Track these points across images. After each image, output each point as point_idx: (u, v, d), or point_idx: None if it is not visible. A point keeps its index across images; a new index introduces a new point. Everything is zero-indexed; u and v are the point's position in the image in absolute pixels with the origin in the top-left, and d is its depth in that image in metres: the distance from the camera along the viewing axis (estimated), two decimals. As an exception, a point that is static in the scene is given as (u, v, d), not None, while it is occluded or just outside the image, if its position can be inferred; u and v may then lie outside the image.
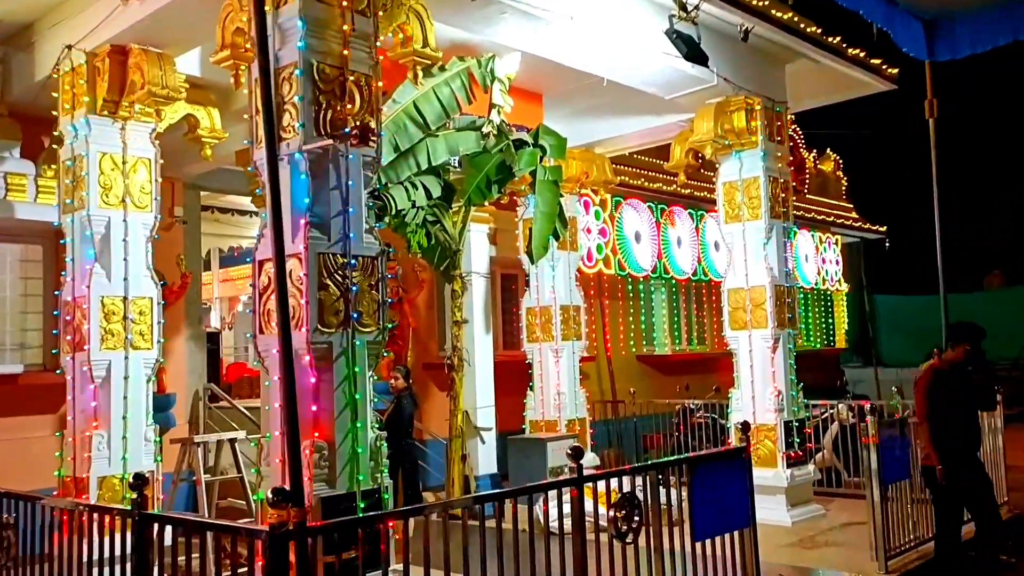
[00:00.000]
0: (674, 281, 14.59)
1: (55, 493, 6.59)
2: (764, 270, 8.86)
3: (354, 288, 4.99)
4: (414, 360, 11.11)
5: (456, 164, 9.50)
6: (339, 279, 4.95)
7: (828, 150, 21.27)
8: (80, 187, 6.59)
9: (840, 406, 10.47)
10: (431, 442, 10.46)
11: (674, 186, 14.79)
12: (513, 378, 10.90)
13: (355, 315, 4.99)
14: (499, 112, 7.86)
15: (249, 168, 5.42)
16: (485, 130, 8.00)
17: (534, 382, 10.75)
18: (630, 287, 13.98)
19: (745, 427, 5.75)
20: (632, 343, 14.16)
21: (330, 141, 4.87)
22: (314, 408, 4.82)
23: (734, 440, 8.75)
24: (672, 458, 5.94)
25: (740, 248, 9.05)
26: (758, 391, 8.86)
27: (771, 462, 8.71)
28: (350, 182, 5.02)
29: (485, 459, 9.59)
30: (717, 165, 9.24)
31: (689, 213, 14.85)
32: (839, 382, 15.47)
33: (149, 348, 6.78)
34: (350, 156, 5.04)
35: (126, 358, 6.63)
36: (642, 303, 14.44)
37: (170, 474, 8.71)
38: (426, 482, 9.98)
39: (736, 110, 8.84)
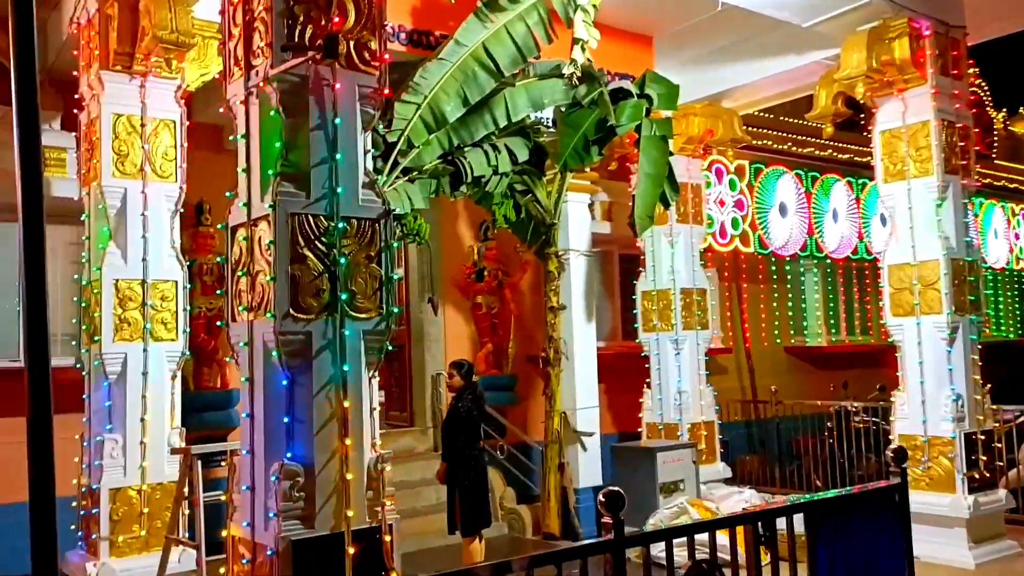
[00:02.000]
0: (829, 260, 12.51)
1: (75, 504, 5.82)
2: (937, 240, 6.93)
3: (343, 260, 3.75)
4: (516, 352, 9.84)
5: (549, 123, 8.15)
6: (321, 248, 3.73)
7: (1022, 108, 18.14)
8: (94, 154, 5.74)
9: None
10: (535, 449, 9.16)
11: (829, 150, 12.79)
12: (633, 373, 9.43)
13: (344, 296, 3.75)
14: (583, 48, 6.39)
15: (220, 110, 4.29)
16: (566, 71, 6.56)
17: (651, 378, 9.22)
18: (774, 268, 12.07)
19: (899, 455, 4.05)
20: (777, 333, 12.25)
21: (297, 61, 3.64)
22: (286, 419, 3.63)
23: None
24: (779, 505, 4.29)
25: (904, 213, 7.15)
26: (930, 394, 6.95)
27: (947, 486, 6.80)
28: (336, 119, 3.78)
29: (587, 468, 8.18)
30: (873, 109, 7.36)
31: (848, 181, 12.71)
32: None
33: (173, 339, 5.86)
34: (337, 85, 3.79)
35: (145, 350, 5.73)
36: (789, 286, 12.47)
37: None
38: (531, 493, 8.70)
39: (897, 36, 6.93)
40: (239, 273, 3.85)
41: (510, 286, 10.04)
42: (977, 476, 6.79)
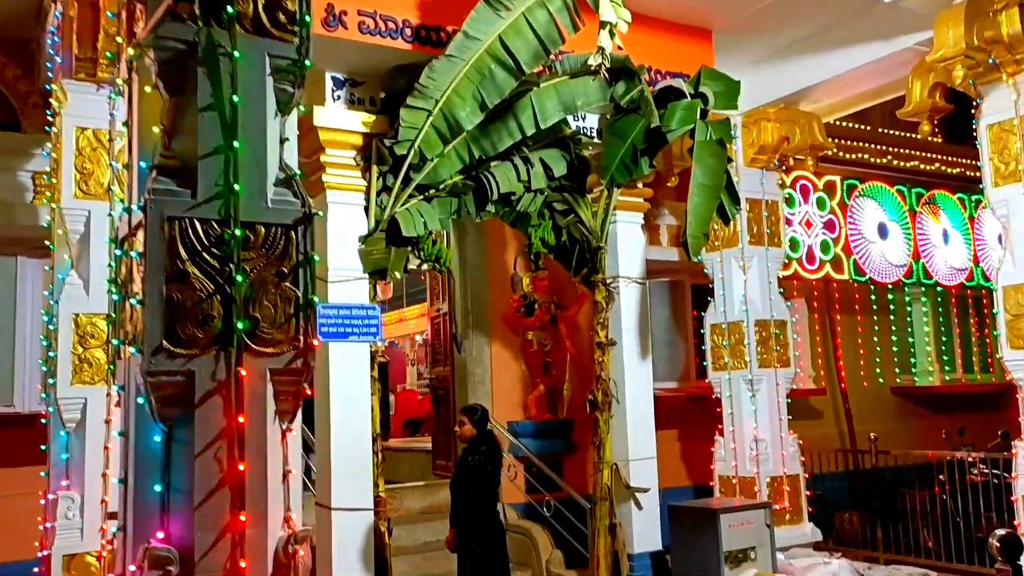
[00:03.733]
0: (940, 288, 10.96)
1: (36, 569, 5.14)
2: (1066, 254, 5.58)
3: (241, 278, 2.89)
4: (572, 394, 8.80)
5: (592, 133, 7.21)
6: (211, 263, 2.89)
7: None
8: (56, 174, 5.16)
9: None
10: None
11: (936, 164, 11.32)
12: (709, 418, 8.25)
13: (243, 324, 2.89)
14: (612, 33, 5.42)
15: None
16: (592, 63, 5.60)
17: (723, 424, 8.01)
18: (874, 297, 10.62)
19: (1011, 545, 2.85)
20: (879, 371, 10.74)
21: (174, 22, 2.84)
22: (158, 488, 2.77)
23: (1023, 523, 5.55)
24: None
25: (1021, 221, 5.82)
26: (1063, 446, 5.55)
27: (1093, 564, 5.34)
28: (234, 96, 2.95)
29: (643, 530, 7.01)
30: (977, 99, 6.10)
31: (960, 198, 11.18)
32: None
33: (144, 380, 5.13)
34: (235, 54, 2.97)
35: (108, 395, 5.02)
36: (893, 318, 10.97)
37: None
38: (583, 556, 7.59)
39: (1004, 7, 5.68)
40: (117, 297, 3.05)
41: (565, 320, 9.04)
42: None
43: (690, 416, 9.26)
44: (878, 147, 10.75)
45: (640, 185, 7.49)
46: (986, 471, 8.21)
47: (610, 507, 6.97)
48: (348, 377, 5.79)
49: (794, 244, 9.62)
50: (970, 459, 8.40)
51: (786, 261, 9.33)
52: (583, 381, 8.86)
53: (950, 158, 11.20)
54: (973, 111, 6.27)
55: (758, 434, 7.69)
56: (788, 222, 9.62)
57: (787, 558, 6.67)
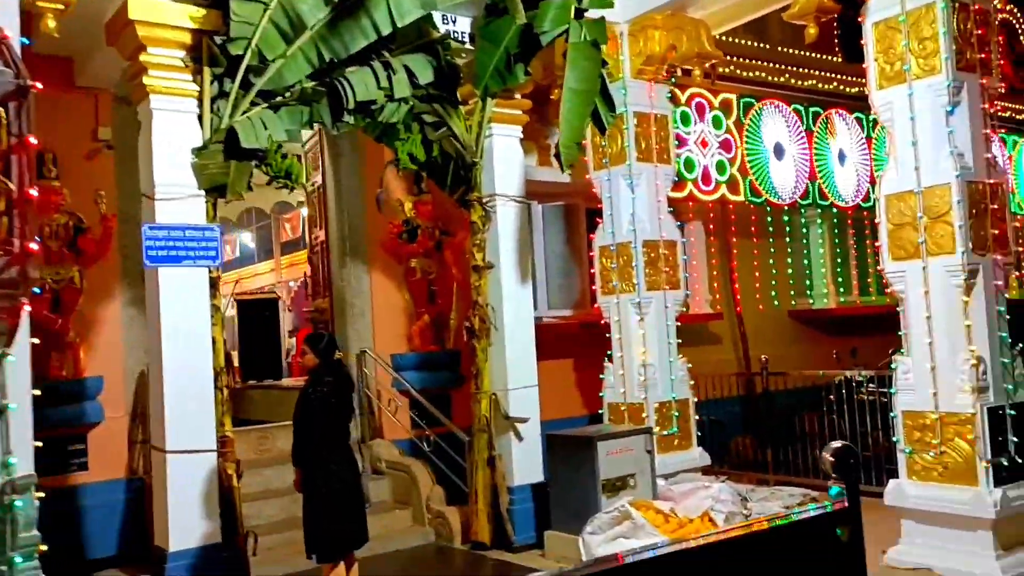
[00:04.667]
0: (836, 210, 10.83)
1: None
2: (947, 159, 5.32)
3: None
4: (459, 324, 8.38)
5: (464, 38, 6.63)
6: None
7: (1062, 38, 16.16)
8: None
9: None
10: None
11: (834, 83, 11.09)
12: (604, 345, 7.94)
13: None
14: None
15: None
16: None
17: (613, 350, 7.71)
18: (770, 219, 10.42)
19: (842, 456, 2.50)
20: (775, 295, 10.62)
21: None
22: None
23: (900, 438, 5.39)
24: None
25: (905, 126, 5.55)
26: (941, 359, 5.38)
27: (967, 476, 5.24)
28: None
29: (525, 461, 6.68)
30: (863, -3, 5.75)
31: (857, 117, 11.00)
32: None
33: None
34: None
35: None
36: (789, 240, 10.81)
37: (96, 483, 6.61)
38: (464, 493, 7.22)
39: None
40: None
41: (451, 246, 8.57)
42: (1007, 463, 5.22)
43: (585, 344, 8.94)
44: (776, 65, 10.42)
45: (518, 96, 6.98)
46: (874, 390, 8.16)
47: (489, 439, 6.63)
48: (182, 307, 5.20)
49: (689, 164, 9.29)
50: (859, 378, 8.33)
51: (678, 180, 9.02)
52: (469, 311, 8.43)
53: (848, 77, 10.95)
54: (860, 17, 5.92)
55: (646, 359, 7.41)
56: (683, 141, 9.28)
57: (669, 483, 6.45)
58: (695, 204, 9.62)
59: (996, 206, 5.41)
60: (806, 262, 11.05)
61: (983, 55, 5.44)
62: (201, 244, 5.24)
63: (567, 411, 8.72)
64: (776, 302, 10.57)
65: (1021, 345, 5.54)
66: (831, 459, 2.36)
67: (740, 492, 6.44)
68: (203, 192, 5.35)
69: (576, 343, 9.03)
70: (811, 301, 11.11)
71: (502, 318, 6.76)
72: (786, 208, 10.38)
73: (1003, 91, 13.87)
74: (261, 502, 6.87)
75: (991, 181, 5.41)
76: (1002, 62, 14.32)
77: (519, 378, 6.78)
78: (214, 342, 5.31)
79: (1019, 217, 13.50)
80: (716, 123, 9.60)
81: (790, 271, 10.78)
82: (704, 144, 9.46)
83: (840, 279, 11.22)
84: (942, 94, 5.32)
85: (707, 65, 9.29)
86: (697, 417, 7.74)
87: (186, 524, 5.12)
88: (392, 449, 7.68)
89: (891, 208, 5.62)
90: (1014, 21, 14.68)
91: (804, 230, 11.07)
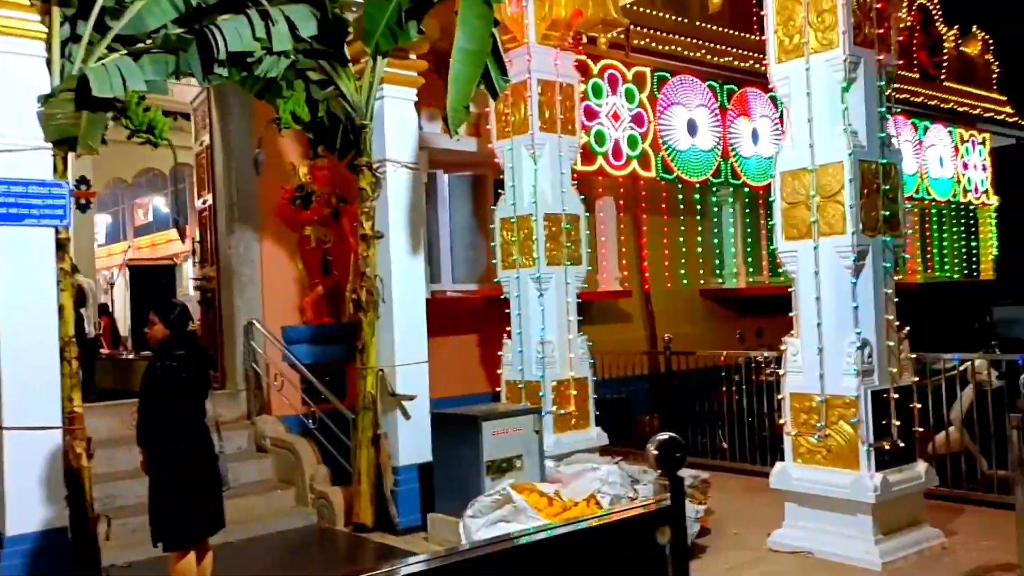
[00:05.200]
0: (748, 189, 10.79)
1: None
2: (840, 136, 5.20)
3: None
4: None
5: (355, -8, 6.25)
6: None
7: (975, 28, 16.46)
8: None
9: (977, 361, 6.66)
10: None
11: (751, 61, 10.98)
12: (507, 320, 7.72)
13: None
14: None
15: None
16: None
17: (512, 326, 7.49)
18: (681, 197, 10.31)
19: (667, 450, 2.30)
20: (684, 273, 10.53)
21: None
22: None
23: (787, 420, 5.29)
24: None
25: (801, 101, 5.40)
26: (829, 341, 5.29)
27: (849, 460, 5.17)
28: None
29: (412, 441, 6.42)
30: (765, -35, 5.56)
31: (771, 98, 10.91)
32: (981, 325, 11.20)
33: None
34: None
35: None
36: (699, 218, 10.72)
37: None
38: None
39: None
40: None
41: (349, 214, 8.14)
42: (888, 446, 5.17)
43: (490, 319, 8.69)
44: (692, 40, 10.26)
45: (413, 56, 6.62)
46: (775, 371, 8.12)
47: (374, 418, 6.34)
48: (23, 271, 4.75)
49: (600, 138, 9.09)
50: (761, 359, 8.29)
51: (589, 154, 8.83)
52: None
53: (765, 56, 10.88)
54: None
55: (545, 336, 7.20)
56: (595, 114, 9.08)
57: (560, 465, 6.27)
58: (605, 179, 9.44)
59: (888, 187, 5.32)
60: (716, 241, 11.00)
61: (882, 30, 5.32)
62: (47, 202, 4.79)
63: (471, 388, 8.48)
64: (685, 280, 10.49)
65: (908, 328, 5.49)
66: (655, 452, 2.14)
67: (632, 474, 6.28)
68: (50, 145, 4.88)
69: (482, 318, 8.77)
70: (721, 280, 11.08)
71: (391, 291, 6.45)
72: (698, 186, 10.29)
73: (917, 76, 14.13)
74: (132, 481, 6.44)
75: (884, 161, 5.31)
76: (914, 47, 14.53)
77: (408, 354, 6.49)
78: (62, 310, 4.87)
79: (926, 201, 13.76)
80: (629, 96, 9.41)
81: (699, 250, 10.70)
82: (616, 118, 9.26)
83: (750, 259, 11.22)
84: (838, 69, 5.18)
85: (621, 36, 9.16)
86: (596, 396, 7.59)
87: (26, 506, 4.72)
88: (278, 426, 7.33)
89: (786, 186, 5.49)
90: (930, 7, 14.88)
91: (716, 209, 11.01)
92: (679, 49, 10.04)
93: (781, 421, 5.59)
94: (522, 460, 5.86)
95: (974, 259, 15.45)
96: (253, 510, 6.58)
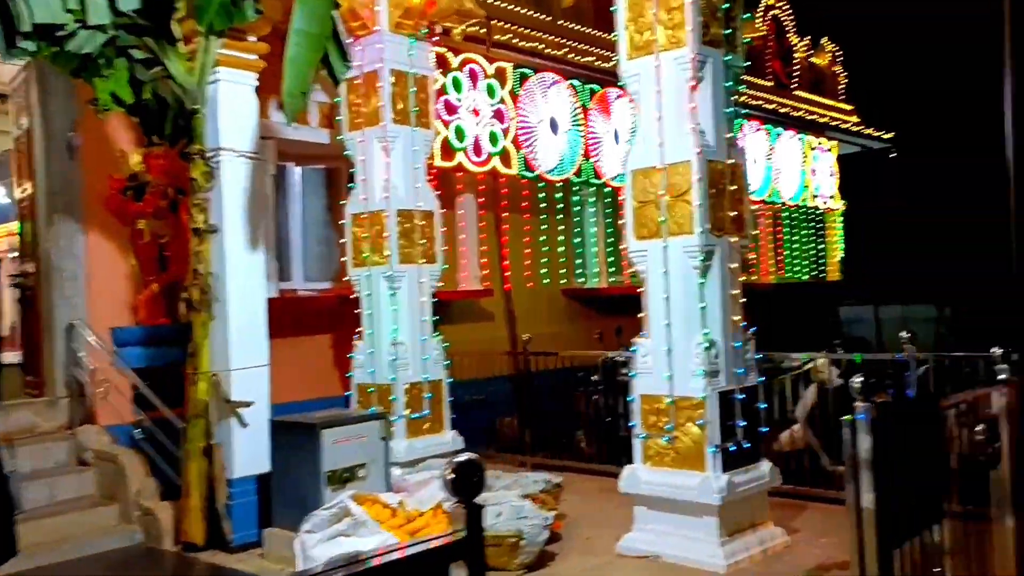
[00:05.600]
0: (609, 189, 10.83)
1: None
2: (689, 135, 5.16)
3: None
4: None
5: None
6: None
7: (824, 40, 17.27)
8: None
9: (818, 360, 6.85)
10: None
11: (613, 62, 11.01)
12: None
13: None
14: None
15: None
16: None
17: (363, 326, 7.15)
18: (543, 195, 10.22)
19: (465, 473, 2.06)
20: (545, 272, 10.45)
21: None
22: None
23: (637, 422, 5.21)
24: None
25: (651, 99, 5.34)
26: (677, 341, 5.24)
27: (696, 462, 5.14)
28: None
29: (249, 450, 5.98)
30: (616, -39, 5.47)
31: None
32: (825, 324, 11.67)
33: None
34: None
35: None
36: (561, 217, 10.66)
37: None
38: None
39: None
40: None
41: (188, 208, 7.59)
42: (734, 447, 5.17)
43: (344, 319, 8.31)
44: (556, 39, 10.19)
45: (253, 38, 6.17)
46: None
47: (206, 426, 5.86)
48: None
49: (460, 133, 8.86)
50: (619, 359, 8.28)
51: (442, 148, 8.59)
52: (209, 280, 7.52)
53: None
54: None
55: (397, 337, 6.90)
56: (454, 109, 8.84)
57: (406, 473, 5.99)
58: (466, 176, 9.22)
59: (735, 187, 5.33)
60: (579, 240, 10.99)
61: (729, 31, 5.32)
62: None
63: (324, 391, 8.07)
64: (547, 280, 10.40)
65: (755, 328, 5.53)
66: (450, 476, 1.91)
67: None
68: None
69: (335, 318, 8.38)
70: (583, 280, 11.08)
71: (226, 289, 5.99)
72: (559, 185, 10.23)
73: (771, 85, 14.66)
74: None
75: (731, 162, 5.31)
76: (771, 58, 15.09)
77: (245, 357, 6.05)
78: None
79: (778, 205, 14.29)
80: (490, 92, 9.22)
81: (561, 249, 10.65)
82: (476, 113, 9.05)
83: (612, 259, 11.27)
84: (686, 68, 5.14)
85: (482, 30, 8.97)
86: (456, 398, 7.36)
87: None
88: (103, 437, 6.70)
89: (636, 184, 5.42)
90: (783, 18, 15.49)
91: (577, 208, 11.00)
92: (541, 46, 9.94)
93: (631, 423, 5.52)
94: (366, 469, 5.54)
95: (822, 261, 16.19)
96: (70, 529, 5.99)
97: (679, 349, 5.22)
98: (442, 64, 8.71)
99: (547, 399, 9.44)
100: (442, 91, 8.66)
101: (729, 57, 5.31)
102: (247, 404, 5.90)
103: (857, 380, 3.12)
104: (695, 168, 5.08)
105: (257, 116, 6.28)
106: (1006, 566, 4.20)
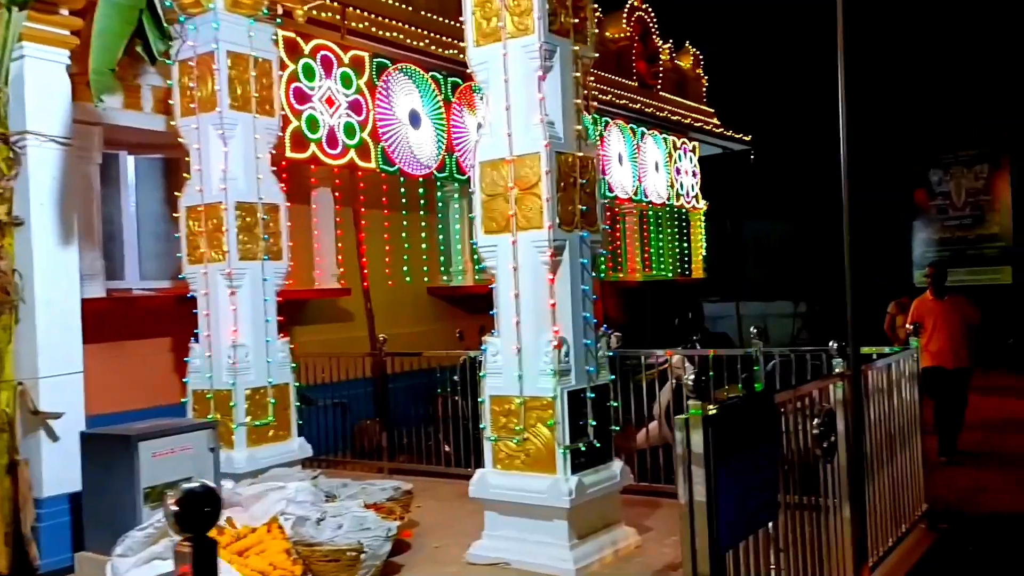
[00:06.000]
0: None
1: None
2: (537, 126, 4.97)
3: None
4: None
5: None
6: None
7: (688, 44, 17.69)
8: None
9: (675, 357, 6.84)
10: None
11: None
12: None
13: None
14: None
15: None
16: None
17: (199, 328, 6.64)
18: (404, 191, 9.89)
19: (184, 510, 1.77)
20: (407, 271, 10.12)
21: None
22: None
23: (487, 425, 5.00)
24: None
25: (499, 87, 5.13)
26: (527, 340, 5.06)
27: (546, 464, 4.97)
28: None
29: (60, 467, 5.40)
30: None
31: (497, 94, 10.81)
32: (685, 320, 11.81)
33: None
34: None
35: None
36: (423, 213, 10.37)
37: None
38: None
39: None
40: None
41: None
42: (584, 448, 5.02)
43: (185, 320, 7.75)
44: (417, 29, 9.88)
45: (65, 12, 5.58)
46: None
47: (10, 441, 5.25)
48: None
49: (313, 123, 8.41)
50: (482, 359, 8.05)
51: (293, 139, 8.15)
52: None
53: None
54: None
55: (237, 338, 6.43)
56: (306, 97, 8.39)
57: (238, 486, 5.55)
58: (320, 168, 8.79)
59: (585, 181, 5.18)
60: (443, 237, 10.73)
61: (577, 20, 5.17)
62: None
63: (159, 399, 7.45)
64: (408, 278, 10.08)
65: (605, 327, 5.41)
66: (173, 508, 1.61)
67: (329, 489, 5.74)
68: None
69: (174, 319, 7.75)
70: (448, 278, 10.83)
71: (32, 289, 5.38)
72: (422, 180, 9.93)
73: (635, 85, 14.85)
74: None
75: (581, 154, 5.16)
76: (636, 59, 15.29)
77: (55, 364, 5.46)
78: None
79: (644, 204, 14.48)
80: (345, 81, 8.81)
81: (424, 246, 10.35)
82: (331, 103, 8.63)
83: (475, 255, 11.04)
84: (535, 57, 4.95)
85: (337, 17, 8.56)
86: (320, 402, 6.96)
87: None
88: None
89: (485, 177, 5.20)
90: (648, 20, 15.72)
91: (442, 204, 10.74)
92: (401, 36, 9.60)
93: (482, 425, 5.29)
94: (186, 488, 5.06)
95: (687, 259, 16.56)
96: None
97: (529, 348, 5.03)
98: (293, 50, 8.27)
99: (408, 401, 9.15)
100: (293, 78, 8.21)
101: (578, 47, 5.15)
102: (58, 415, 5.33)
103: (690, 377, 3.01)
104: (544, 160, 4.90)
105: (70, 98, 5.67)
106: (843, 557, 4.21)
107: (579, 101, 5.19)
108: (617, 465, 5.32)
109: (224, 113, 6.36)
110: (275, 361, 6.65)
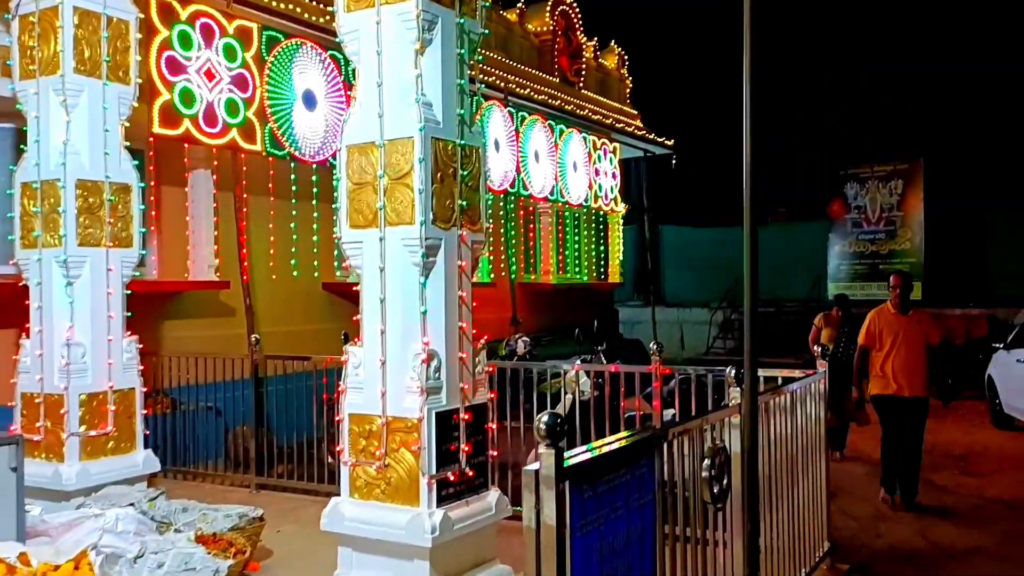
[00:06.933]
0: (374, 176, 9.85)
1: None
2: (412, 107, 4.32)
3: None
4: None
5: None
6: None
7: (613, 43, 17.29)
8: None
9: (571, 373, 6.25)
10: None
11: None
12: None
13: None
14: None
15: None
16: None
17: (31, 323, 5.79)
18: (295, 177, 9.10)
19: None
20: (296, 264, 9.33)
21: None
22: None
23: (345, 447, 4.34)
24: None
25: (371, 61, 4.46)
26: (394, 351, 4.39)
27: (409, 495, 4.32)
28: None
29: None
30: None
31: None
32: (584, 332, 11.13)
33: None
34: None
35: None
36: (316, 202, 9.59)
37: None
38: None
39: None
40: None
41: None
42: (453, 477, 4.40)
43: (23, 312, 6.85)
44: (315, 4, 9.11)
45: None
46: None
47: None
48: None
49: (188, 97, 7.59)
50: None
51: (164, 113, 7.31)
52: None
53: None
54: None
55: (72, 336, 5.60)
56: (181, 68, 7.56)
57: (45, 514, 4.75)
58: (196, 148, 7.95)
59: (467, 173, 4.56)
60: (336, 230, 9.96)
61: (461, -11, 4.53)
62: None
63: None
64: (296, 272, 9.29)
65: (485, 339, 4.80)
66: None
67: (165, 515, 4.97)
68: None
69: (25, 309, 6.88)
70: (341, 274, 10.08)
71: None
72: (316, 167, 9.16)
73: (557, 81, 14.32)
74: None
75: (463, 142, 4.54)
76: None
77: None
78: None
79: (560, 204, 13.96)
80: (229, 53, 8.00)
81: (315, 238, 9.57)
82: (210, 76, 7.81)
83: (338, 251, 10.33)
84: (412, 27, 4.30)
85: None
86: (184, 405, 6.17)
87: None
88: None
89: (352, 163, 4.53)
90: (572, 14, 15.22)
91: (336, 192, 9.95)
92: (299, 10, 8.83)
93: (339, 448, 4.62)
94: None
95: (603, 263, 16.13)
96: None
97: (395, 361, 4.38)
98: (168, 14, 7.43)
99: (294, 407, 8.38)
100: (166, 46, 7.37)
101: (463, 20, 4.52)
102: None
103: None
104: (418, 146, 4.26)
105: None
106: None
107: (463, 82, 4.55)
108: (493, 495, 4.70)
109: (67, 77, 5.55)
110: (118, 363, 5.84)
